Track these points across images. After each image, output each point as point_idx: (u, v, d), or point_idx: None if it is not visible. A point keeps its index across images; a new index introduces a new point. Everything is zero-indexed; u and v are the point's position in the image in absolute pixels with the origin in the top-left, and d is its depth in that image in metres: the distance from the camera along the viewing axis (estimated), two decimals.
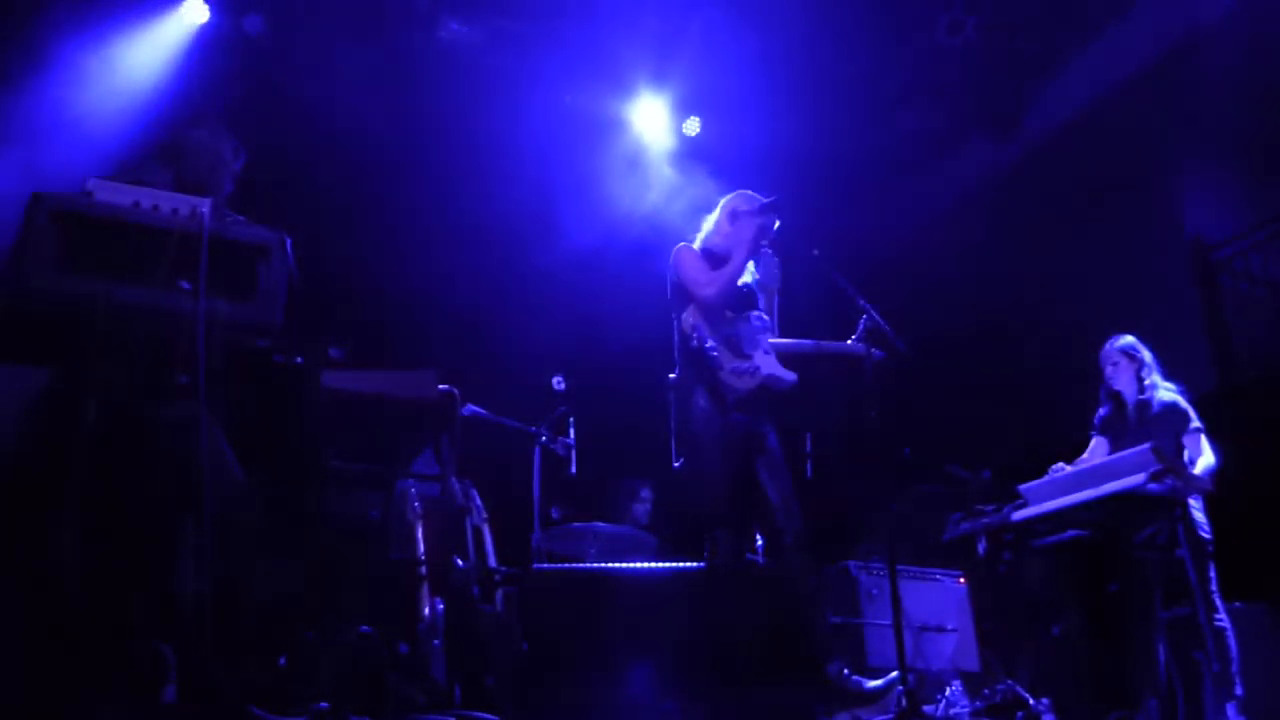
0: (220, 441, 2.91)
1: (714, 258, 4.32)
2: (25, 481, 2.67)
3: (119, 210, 2.63)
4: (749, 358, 4.05)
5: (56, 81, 5.63)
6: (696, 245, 4.42)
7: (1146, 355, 5.23)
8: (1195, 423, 4.94)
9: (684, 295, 4.24)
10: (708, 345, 4.03)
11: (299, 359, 3.05)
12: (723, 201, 4.47)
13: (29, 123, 5.42)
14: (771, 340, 4.26)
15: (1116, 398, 5.25)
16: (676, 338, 4.23)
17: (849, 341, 4.29)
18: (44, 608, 2.55)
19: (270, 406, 3.15)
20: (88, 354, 2.56)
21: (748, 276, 4.38)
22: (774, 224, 4.33)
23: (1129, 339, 5.29)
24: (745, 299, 4.33)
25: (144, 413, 2.74)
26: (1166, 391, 5.11)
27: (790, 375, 4.15)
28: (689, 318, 4.15)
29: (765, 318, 4.32)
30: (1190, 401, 5.08)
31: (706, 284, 4.17)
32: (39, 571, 2.58)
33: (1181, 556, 4.58)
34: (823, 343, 4.35)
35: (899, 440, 5.71)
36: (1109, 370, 5.27)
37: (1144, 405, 5.12)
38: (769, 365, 4.12)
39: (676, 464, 4.10)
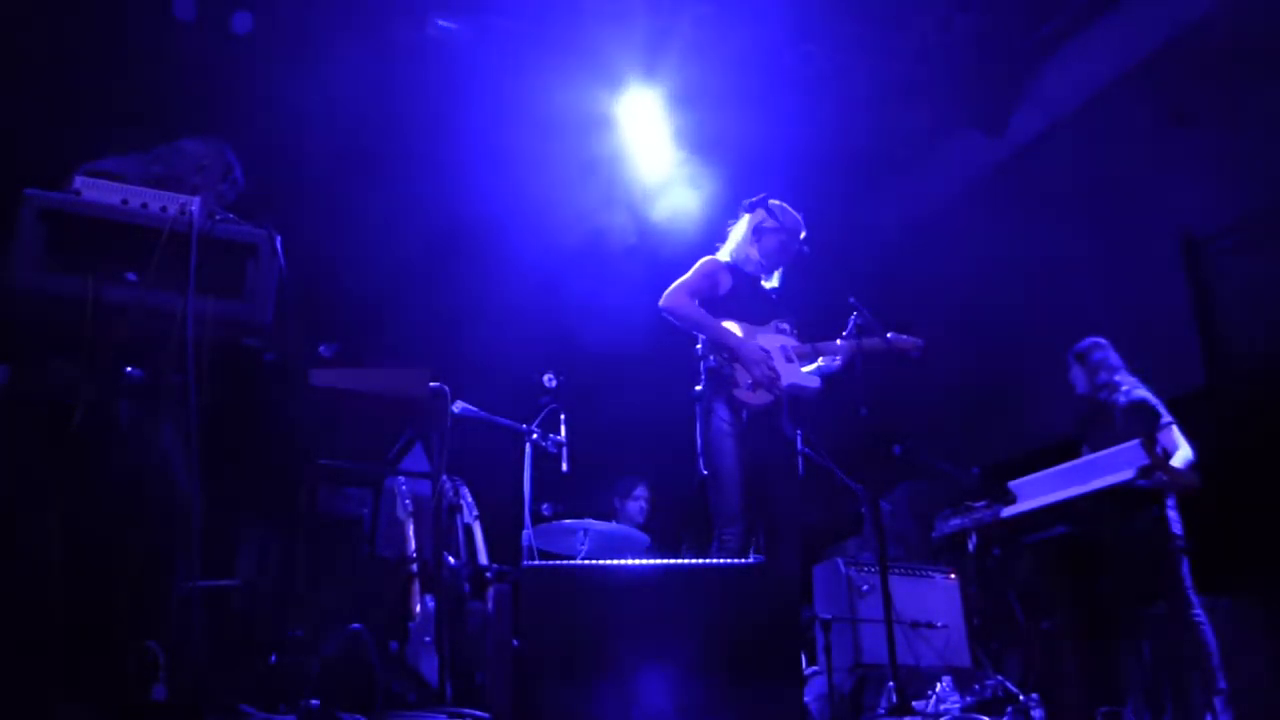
0: (176, 443, 2.90)
1: (738, 273, 4.43)
2: (11, 480, 2.67)
3: (107, 209, 2.63)
4: (766, 374, 4.15)
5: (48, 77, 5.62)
6: (724, 258, 4.51)
7: (1109, 355, 5.29)
8: (1166, 417, 4.97)
9: (707, 306, 4.36)
10: (722, 361, 4.22)
11: (289, 357, 3.05)
12: (747, 216, 4.53)
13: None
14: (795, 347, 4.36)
15: (1088, 400, 5.32)
16: (699, 349, 4.34)
17: (839, 340, 4.37)
18: (31, 607, 2.55)
19: (259, 405, 3.15)
20: (77, 353, 2.56)
21: (775, 281, 4.56)
22: (798, 239, 4.46)
23: (1092, 340, 5.37)
24: (770, 309, 4.45)
25: (116, 411, 2.74)
26: (1134, 389, 5.15)
27: (815, 382, 4.34)
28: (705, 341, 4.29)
29: (786, 327, 4.41)
30: (1178, 397, 5.11)
31: (673, 295, 4.31)
32: (24, 570, 2.58)
33: (1164, 551, 4.62)
34: (874, 339, 4.43)
35: (889, 437, 5.73)
36: (1072, 374, 5.37)
37: (1112, 404, 5.16)
38: (791, 375, 4.25)
39: (704, 473, 4.24)
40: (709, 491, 4.18)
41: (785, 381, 4.23)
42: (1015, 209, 7.55)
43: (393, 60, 6.68)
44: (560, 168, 7.21)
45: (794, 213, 4.51)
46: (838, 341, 4.40)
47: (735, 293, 4.39)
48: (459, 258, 6.91)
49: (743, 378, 4.19)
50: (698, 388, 4.35)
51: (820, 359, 4.42)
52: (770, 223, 4.43)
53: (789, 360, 4.31)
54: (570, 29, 6.85)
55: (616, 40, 6.88)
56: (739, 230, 4.53)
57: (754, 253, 4.46)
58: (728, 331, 4.26)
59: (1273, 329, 5.58)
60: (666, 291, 4.32)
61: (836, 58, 7.15)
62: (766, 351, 4.24)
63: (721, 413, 4.18)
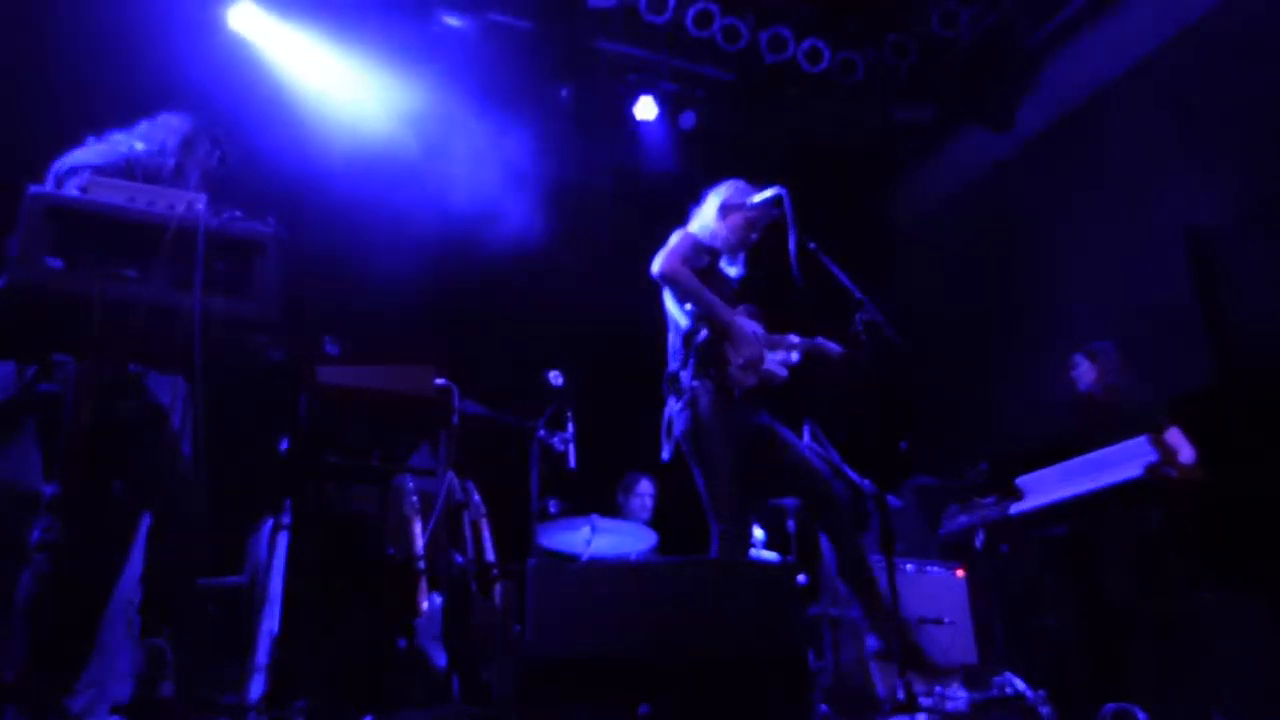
0: (174, 437, 2.91)
1: (707, 251, 4.30)
2: (18, 477, 2.68)
3: (114, 207, 2.63)
4: (754, 353, 4.04)
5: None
6: (695, 233, 4.38)
7: (1119, 357, 5.27)
8: (1169, 419, 4.97)
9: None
10: (715, 337, 4.03)
11: (295, 355, 3.05)
12: (712, 194, 4.43)
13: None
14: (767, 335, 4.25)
15: (1084, 398, 5.30)
16: (677, 330, 4.21)
17: (793, 336, 4.33)
18: (40, 603, 2.56)
19: (266, 402, 3.16)
20: (83, 351, 2.56)
21: (733, 270, 4.40)
22: (767, 216, 4.30)
23: (1105, 342, 5.36)
24: (742, 292, 4.32)
25: (122, 409, 2.75)
26: (1132, 387, 5.15)
27: (783, 372, 4.16)
28: (694, 311, 4.13)
29: (753, 311, 4.32)
30: (1185, 393, 5.10)
31: (670, 262, 4.09)
32: (33, 567, 2.59)
33: (1172, 547, 4.62)
34: (807, 340, 4.35)
35: (897, 433, 5.73)
36: (1074, 374, 5.34)
37: (1111, 403, 5.15)
38: (767, 360, 4.11)
39: (665, 457, 4.08)
40: (701, 481, 3.96)
41: (765, 365, 4.06)
42: (1022, 204, 7.53)
43: (401, 58, 6.69)
44: (567, 165, 7.21)
45: (760, 193, 4.31)
46: (793, 336, 4.30)
47: (709, 271, 4.24)
48: (466, 255, 6.91)
49: (734, 356, 4.00)
50: (673, 368, 4.15)
51: (780, 350, 4.27)
52: (739, 199, 4.32)
53: (763, 347, 4.16)
54: (575, 28, 6.86)
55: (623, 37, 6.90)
56: (707, 208, 4.40)
57: (722, 230, 4.32)
58: (724, 306, 4.07)
59: None
60: (660, 259, 4.11)
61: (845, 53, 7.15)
62: (755, 332, 4.11)
63: (710, 395, 3.96)
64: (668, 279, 4.11)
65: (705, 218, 4.38)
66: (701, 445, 3.96)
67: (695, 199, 4.51)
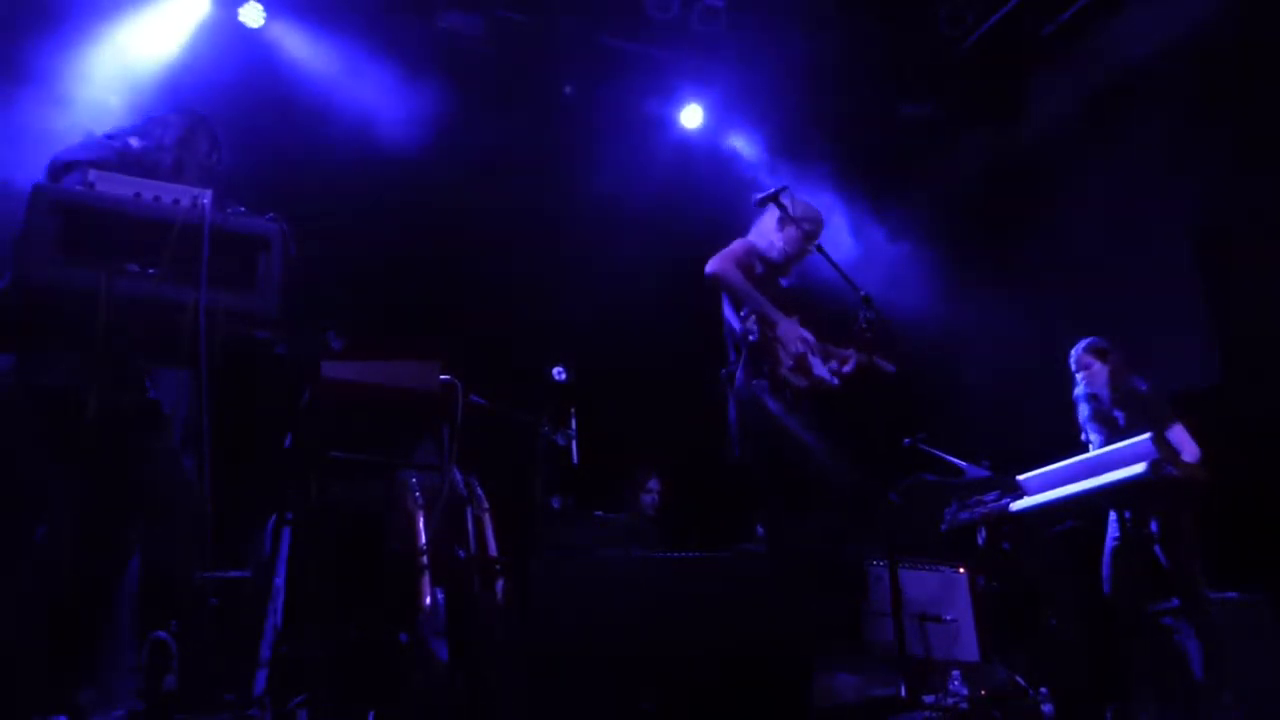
0: (178, 431, 2.91)
1: (764, 260, 4.42)
2: (24, 473, 2.68)
3: (120, 202, 2.64)
4: (802, 356, 4.14)
5: (53, 71, 5.62)
6: (755, 243, 4.51)
7: (1124, 354, 5.23)
8: (1172, 414, 4.95)
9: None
10: (765, 337, 4.12)
11: (300, 349, 3.06)
12: (773, 205, 4.48)
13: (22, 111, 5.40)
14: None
15: (1094, 399, 5.25)
16: (730, 332, 4.31)
17: (851, 348, 4.41)
18: (44, 598, 2.57)
19: (270, 397, 3.17)
20: (89, 346, 2.57)
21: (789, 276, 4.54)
22: (819, 229, 4.46)
23: (1094, 339, 5.30)
24: (794, 301, 4.43)
25: (127, 404, 2.76)
26: (1141, 385, 5.12)
27: (835, 380, 4.28)
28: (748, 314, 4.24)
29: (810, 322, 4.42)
30: (1192, 393, 5.08)
31: (722, 263, 4.24)
32: (38, 563, 2.60)
33: (1176, 547, 4.61)
34: (865, 355, 4.45)
35: (899, 430, 5.73)
36: (1081, 375, 5.27)
37: (1122, 401, 5.12)
38: (818, 367, 4.22)
39: (737, 454, 4.17)
40: (747, 479, 4.11)
41: (816, 371, 4.20)
42: (1028, 203, 7.52)
43: (406, 56, 6.69)
44: (571, 161, 7.21)
45: (814, 206, 4.53)
46: (851, 349, 4.42)
47: (764, 279, 4.38)
48: (470, 250, 6.91)
49: (785, 356, 4.14)
50: (725, 369, 4.26)
51: (833, 360, 4.41)
52: (795, 212, 4.42)
53: (813, 354, 4.29)
54: (582, 23, 6.85)
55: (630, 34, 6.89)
56: (767, 220, 4.51)
57: (778, 241, 4.45)
58: (772, 307, 4.21)
59: None
60: (713, 259, 4.27)
61: (850, 52, 7.14)
62: (802, 337, 4.22)
63: (765, 393, 4.09)
64: (717, 278, 4.26)
65: (765, 228, 4.49)
66: (752, 442, 4.09)
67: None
